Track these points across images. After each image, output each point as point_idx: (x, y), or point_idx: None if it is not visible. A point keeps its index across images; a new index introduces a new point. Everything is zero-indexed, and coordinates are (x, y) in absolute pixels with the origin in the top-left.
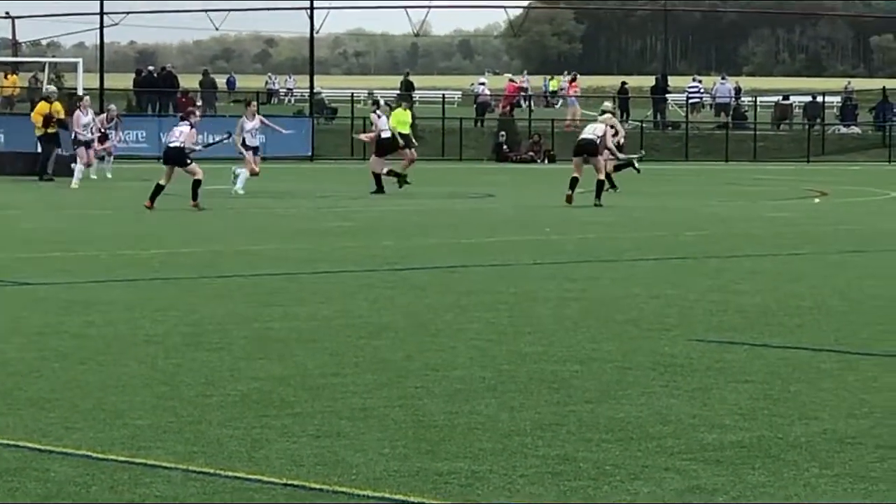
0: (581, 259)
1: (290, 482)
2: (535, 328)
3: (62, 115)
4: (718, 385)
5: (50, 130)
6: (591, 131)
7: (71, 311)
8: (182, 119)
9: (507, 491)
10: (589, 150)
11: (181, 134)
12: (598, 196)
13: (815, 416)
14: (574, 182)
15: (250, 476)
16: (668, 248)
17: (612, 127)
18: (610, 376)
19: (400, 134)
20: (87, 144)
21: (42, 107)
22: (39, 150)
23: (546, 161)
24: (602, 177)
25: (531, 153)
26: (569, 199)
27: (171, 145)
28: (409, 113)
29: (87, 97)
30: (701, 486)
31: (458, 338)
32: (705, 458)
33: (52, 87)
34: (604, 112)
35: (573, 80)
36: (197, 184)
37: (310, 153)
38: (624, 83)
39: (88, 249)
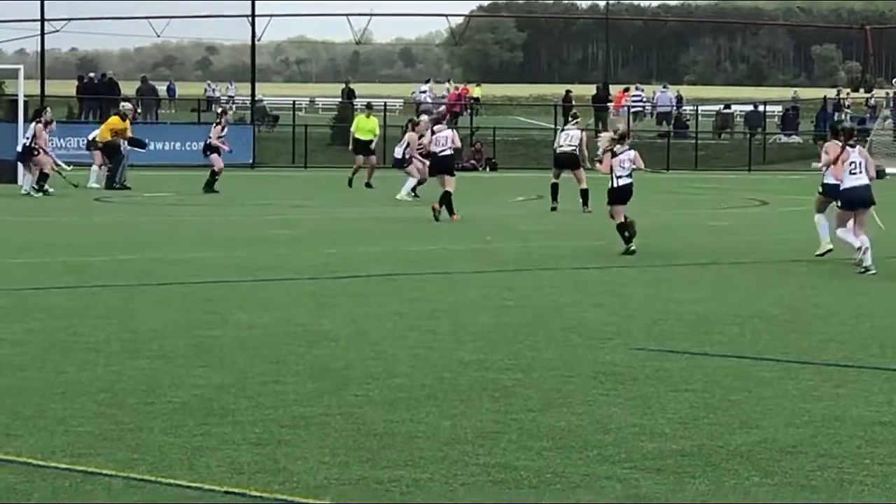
0: (522, 268)
1: (230, 490)
2: (476, 336)
3: (127, 133)
4: (659, 393)
5: (111, 141)
6: (568, 141)
7: (10, 318)
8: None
9: (447, 499)
10: (570, 163)
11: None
12: (585, 204)
13: (755, 425)
14: (555, 189)
15: (191, 484)
16: (608, 256)
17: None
18: (551, 384)
19: (361, 141)
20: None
21: (116, 122)
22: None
23: (488, 169)
24: (585, 185)
25: (472, 161)
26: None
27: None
28: (374, 120)
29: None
30: (641, 495)
31: (398, 346)
32: (646, 466)
33: (129, 105)
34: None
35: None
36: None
37: (251, 161)
38: (568, 91)
39: (28, 256)
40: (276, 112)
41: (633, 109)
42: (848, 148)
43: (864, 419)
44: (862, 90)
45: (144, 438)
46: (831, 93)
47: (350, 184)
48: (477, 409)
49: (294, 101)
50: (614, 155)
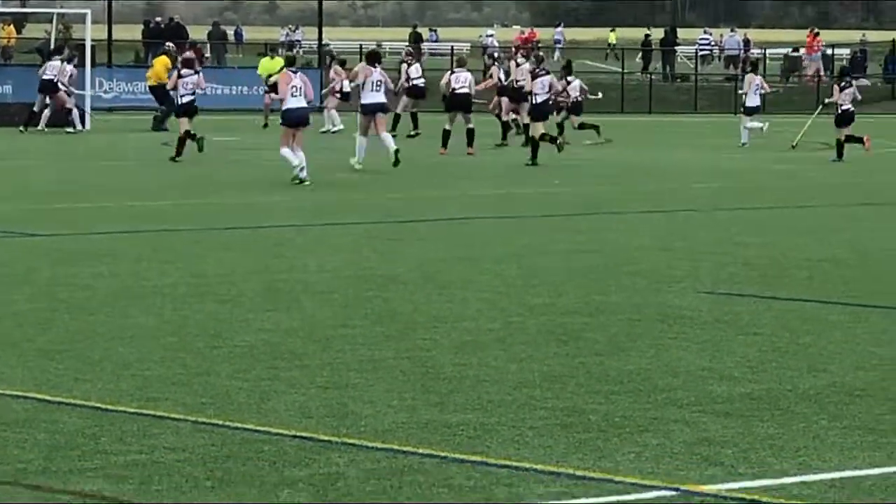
0: (590, 212)
1: (298, 434)
2: (544, 280)
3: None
4: (727, 337)
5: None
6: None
7: (79, 263)
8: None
9: (515, 443)
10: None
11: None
12: (504, 137)
13: (824, 369)
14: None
15: (259, 428)
16: (676, 200)
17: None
18: (619, 328)
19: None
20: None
21: (166, 63)
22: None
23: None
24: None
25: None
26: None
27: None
28: (278, 61)
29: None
30: (710, 438)
31: (466, 290)
32: (715, 409)
33: (171, 45)
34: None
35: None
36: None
37: (318, 105)
38: (647, 35)
39: (95, 201)
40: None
41: (700, 53)
42: None
43: None
44: None
45: (212, 382)
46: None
47: (267, 125)
48: (545, 353)
49: (361, 45)
50: (535, 77)
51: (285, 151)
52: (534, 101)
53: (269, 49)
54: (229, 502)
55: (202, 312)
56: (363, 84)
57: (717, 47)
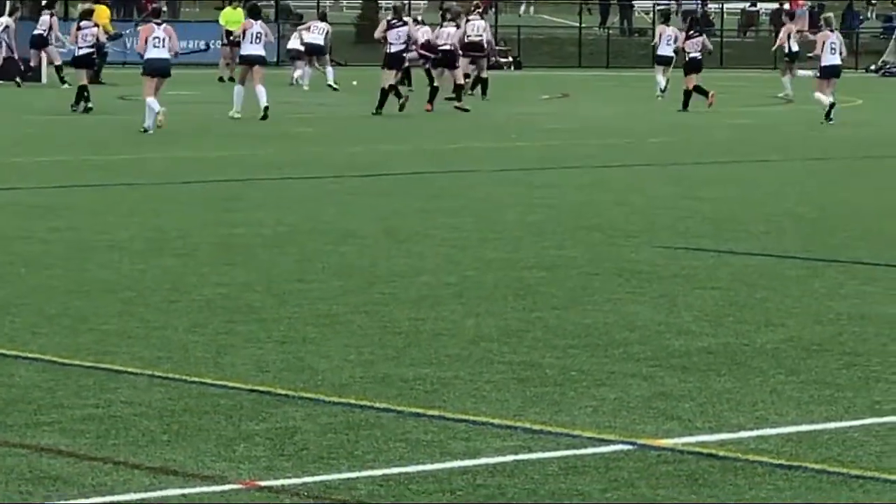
0: (546, 166)
1: (255, 388)
2: (501, 234)
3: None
4: (684, 292)
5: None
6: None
7: (35, 216)
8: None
9: (472, 397)
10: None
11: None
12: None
13: (781, 323)
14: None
15: (216, 382)
16: (633, 154)
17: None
18: (576, 282)
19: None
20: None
21: (106, 11)
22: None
23: (513, 68)
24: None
25: (495, 59)
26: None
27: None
28: (240, 12)
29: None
30: (667, 393)
31: (424, 244)
32: (672, 364)
33: None
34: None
35: None
36: None
37: (276, 59)
38: None
39: (52, 154)
40: (299, 11)
41: (658, 7)
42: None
43: (890, 317)
44: None
45: (169, 337)
46: None
47: (222, 79)
48: (502, 308)
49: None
50: (390, 28)
51: (150, 100)
52: (388, 51)
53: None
54: (185, 456)
55: (159, 267)
56: (243, 35)
57: (674, 2)
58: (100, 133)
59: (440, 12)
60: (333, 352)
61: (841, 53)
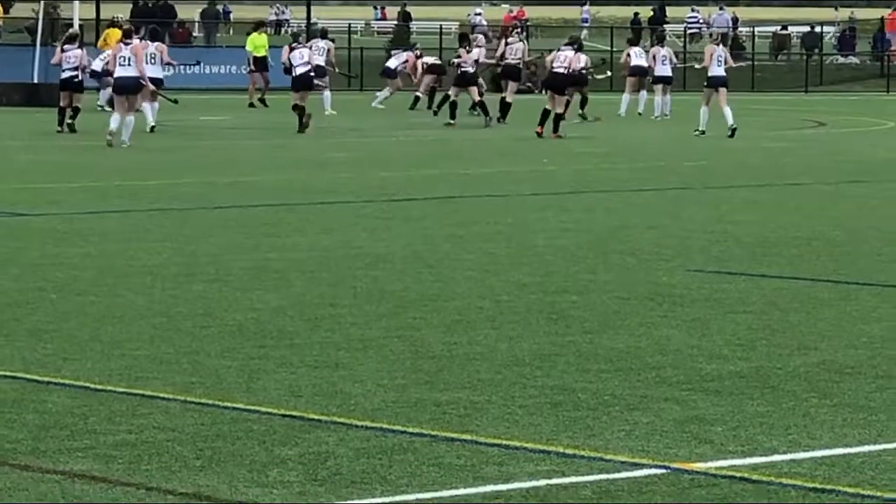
0: (578, 190)
1: (288, 413)
2: (533, 259)
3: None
4: (717, 316)
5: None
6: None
7: (67, 243)
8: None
9: (505, 421)
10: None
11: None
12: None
13: (813, 347)
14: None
15: (248, 407)
16: (665, 178)
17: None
18: (608, 307)
19: (258, 58)
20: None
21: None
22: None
23: (543, 92)
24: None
25: (528, 84)
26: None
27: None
28: (264, 37)
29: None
30: (700, 416)
31: (456, 268)
32: (704, 388)
33: (121, 16)
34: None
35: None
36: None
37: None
38: (636, 13)
39: (83, 181)
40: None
41: (689, 31)
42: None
43: None
44: None
45: (202, 362)
46: (888, 13)
47: (252, 104)
48: (534, 332)
49: (349, 23)
50: (292, 51)
51: (114, 117)
52: (294, 74)
53: (257, 25)
54: (218, 482)
55: (191, 292)
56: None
57: (705, 25)
58: (130, 159)
59: (500, 29)
60: (366, 376)
61: (726, 62)
